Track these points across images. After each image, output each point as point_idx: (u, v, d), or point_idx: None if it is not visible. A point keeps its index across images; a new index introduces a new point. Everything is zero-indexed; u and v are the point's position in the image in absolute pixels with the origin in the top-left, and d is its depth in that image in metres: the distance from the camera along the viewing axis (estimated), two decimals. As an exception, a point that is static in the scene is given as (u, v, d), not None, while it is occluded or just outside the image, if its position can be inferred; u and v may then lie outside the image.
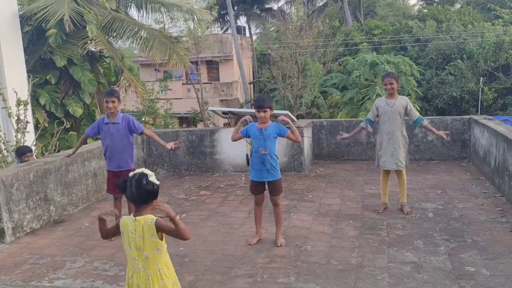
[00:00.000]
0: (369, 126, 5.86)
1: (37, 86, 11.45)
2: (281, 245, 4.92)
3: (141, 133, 5.46)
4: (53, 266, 4.69)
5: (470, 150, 8.48)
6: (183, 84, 30.64)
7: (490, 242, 4.82)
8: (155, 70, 28.73)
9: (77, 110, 11.96)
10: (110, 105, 5.14)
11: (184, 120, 27.71)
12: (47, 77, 11.73)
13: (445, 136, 5.75)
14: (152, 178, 2.91)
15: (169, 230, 2.81)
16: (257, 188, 5.00)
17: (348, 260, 4.51)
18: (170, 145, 5.46)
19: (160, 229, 2.80)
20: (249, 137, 5.01)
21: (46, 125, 11.32)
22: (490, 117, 8.49)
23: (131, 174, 2.97)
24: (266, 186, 4.99)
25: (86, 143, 6.54)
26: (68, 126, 11.28)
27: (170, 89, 24.56)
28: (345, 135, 6.01)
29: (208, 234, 5.43)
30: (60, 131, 8.76)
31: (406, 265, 4.35)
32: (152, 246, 2.80)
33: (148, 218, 2.80)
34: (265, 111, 4.79)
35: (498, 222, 5.40)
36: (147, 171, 2.96)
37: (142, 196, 2.85)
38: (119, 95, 5.28)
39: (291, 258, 4.62)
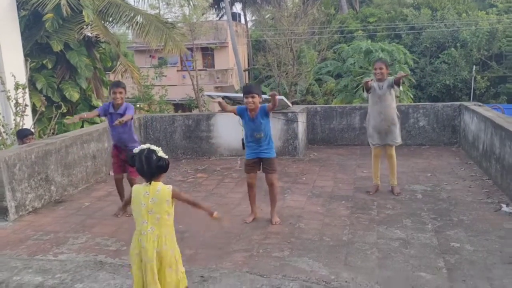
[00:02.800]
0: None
1: (34, 71, 11.51)
2: (275, 223, 5.13)
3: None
4: (57, 242, 4.87)
5: (460, 136, 8.72)
6: (178, 70, 30.64)
7: (475, 221, 5.06)
8: (150, 56, 28.69)
9: (74, 95, 12.06)
10: (118, 95, 5.36)
11: (179, 106, 27.79)
12: (44, 62, 11.79)
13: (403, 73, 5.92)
14: (161, 153, 3.10)
15: (187, 201, 3.20)
16: (251, 167, 5.18)
17: (340, 237, 4.73)
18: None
19: (177, 197, 3.08)
20: (240, 115, 5.14)
21: (43, 109, 11.44)
22: (480, 103, 8.71)
23: (136, 150, 3.15)
24: (261, 166, 5.18)
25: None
26: (65, 110, 11.35)
27: (165, 76, 24.63)
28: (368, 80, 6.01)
29: (205, 214, 5.61)
30: (58, 114, 8.88)
31: (394, 241, 4.58)
32: (165, 210, 3.03)
33: (165, 186, 3.07)
34: (253, 97, 4.93)
35: (484, 203, 5.64)
36: (153, 146, 3.14)
37: (153, 171, 3.06)
38: (125, 86, 5.47)
39: (285, 235, 4.83)
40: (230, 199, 6.20)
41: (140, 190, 3.10)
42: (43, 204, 6.09)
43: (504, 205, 5.45)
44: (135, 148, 3.18)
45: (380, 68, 5.87)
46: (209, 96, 9.18)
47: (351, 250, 4.39)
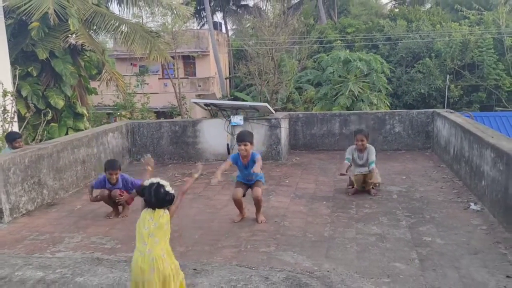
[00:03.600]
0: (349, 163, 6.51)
1: (19, 78, 11.59)
2: (261, 222, 5.46)
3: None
4: (53, 241, 5.10)
5: (433, 141, 9.22)
6: (159, 79, 30.79)
7: (446, 218, 5.49)
8: (131, 64, 28.78)
9: (59, 102, 12.18)
10: (114, 177, 5.73)
11: (161, 114, 27.90)
12: (29, 69, 11.91)
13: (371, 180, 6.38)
14: (168, 188, 3.43)
15: (179, 204, 3.59)
16: (240, 184, 5.56)
17: (321, 233, 5.09)
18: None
19: (173, 214, 3.46)
20: (235, 164, 5.53)
21: (27, 115, 11.55)
22: (451, 110, 9.25)
23: (147, 182, 3.46)
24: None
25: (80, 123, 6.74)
26: (50, 117, 11.49)
27: (147, 84, 24.77)
28: (343, 171, 6.43)
29: (195, 214, 5.93)
30: (46, 121, 9.06)
31: (371, 236, 4.96)
32: (164, 233, 3.37)
33: (166, 212, 3.44)
34: (245, 145, 5.35)
35: (454, 202, 6.09)
36: (163, 181, 3.46)
37: (161, 203, 3.40)
38: (121, 165, 5.92)
39: (271, 232, 5.17)
40: (217, 201, 6.50)
41: (147, 216, 3.41)
42: (35, 207, 6.28)
43: (472, 204, 5.91)
44: (146, 181, 3.49)
45: (362, 140, 6.41)
46: (196, 103, 9.49)
47: (332, 245, 4.75)
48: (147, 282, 3.28)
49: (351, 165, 6.50)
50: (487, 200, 5.66)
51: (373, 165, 6.32)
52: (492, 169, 5.45)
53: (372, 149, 6.45)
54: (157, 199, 3.38)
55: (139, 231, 3.39)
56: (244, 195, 5.52)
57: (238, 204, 5.54)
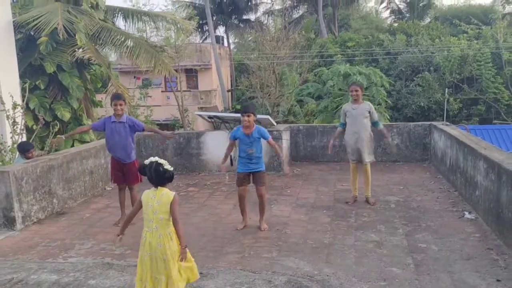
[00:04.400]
0: (342, 127, 6.75)
1: (27, 91, 11.93)
2: (264, 230, 5.69)
3: (143, 130, 6.13)
4: (64, 247, 5.33)
5: (431, 153, 9.46)
6: (162, 91, 31.18)
7: (441, 226, 5.71)
8: (134, 77, 29.20)
9: (65, 115, 12.45)
10: (118, 107, 5.87)
11: (164, 127, 28.22)
12: (37, 83, 12.19)
13: (394, 146, 6.72)
14: (167, 166, 3.68)
15: (173, 217, 3.69)
16: (242, 180, 5.76)
17: (322, 240, 5.32)
18: (166, 133, 6.53)
19: (172, 206, 3.61)
20: (236, 139, 5.76)
21: (35, 127, 11.81)
22: (447, 123, 9.51)
23: (147, 162, 3.72)
24: (251, 179, 5.76)
25: (85, 134, 7.06)
26: (57, 129, 11.77)
27: (150, 96, 25.13)
28: (332, 142, 6.89)
29: (199, 222, 6.16)
30: (54, 133, 9.33)
31: (369, 243, 5.19)
32: (167, 211, 3.58)
33: (170, 191, 3.64)
34: (249, 116, 5.60)
35: (450, 211, 6.31)
36: (161, 160, 3.71)
37: (160, 180, 3.64)
38: (126, 99, 6.01)
39: (273, 239, 5.40)
40: (221, 209, 6.73)
41: (149, 194, 3.68)
42: (46, 216, 6.52)
43: (466, 213, 6.14)
44: (146, 160, 3.75)
45: (356, 91, 6.59)
46: (200, 115, 9.77)
47: (332, 251, 4.98)
48: (153, 256, 3.53)
49: (345, 126, 6.70)
50: (480, 209, 5.89)
51: (381, 125, 6.68)
52: (485, 179, 5.69)
53: (371, 105, 6.70)
54: (157, 176, 3.62)
55: (144, 210, 3.65)
56: (248, 183, 5.80)
57: (242, 203, 5.79)
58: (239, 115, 5.91)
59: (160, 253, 3.56)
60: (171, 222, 3.67)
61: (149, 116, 22.75)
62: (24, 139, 9.63)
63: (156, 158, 3.75)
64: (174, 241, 3.66)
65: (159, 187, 3.67)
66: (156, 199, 3.61)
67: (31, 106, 12.00)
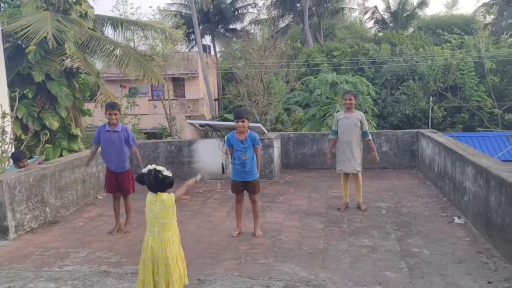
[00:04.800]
0: (335, 135, 6.86)
1: (14, 100, 11.84)
2: (259, 236, 5.75)
3: (131, 147, 6.11)
4: (59, 256, 5.31)
5: (418, 160, 9.65)
6: (149, 100, 31.11)
7: (432, 231, 5.84)
8: (121, 86, 29.09)
9: (54, 123, 12.39)
10: (113, 116, 5.89)
11: (151, 135, 28.13)
12: (25, 92, 12.13)
13: (377, 158, 6.87)
14: (166, 172, 3.74)
15: (185, 194, 3.89)
16: (237, 187, 5.83)
17: (316, 246, 5.40)
18: (140, 162, 5.98)
19: (178, 200, 3.73)
20: (231, 146, 5.82)
21: (23, 137, 11.73)
22: (434, 130, 9.72)
23: (145, 170, 3.77)
24: (245, 186, 5.82)
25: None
26: (45, 139, 11.70)
27: (138, 105, 25.06)
28: (329, 155, 6.97)
29: (194, 229, 6.19)
30: (44, 142, 9.28)
31: (363, 248, 5.28)
32: (169, 215, 3.65)
33: (169, 195, 3.72)
34: (243, 121, 5.67)
35: (439, 216, 6.45)
36: (159, 167, 3.77)
37: (160, 187, 3.69)
38: (120, 108, 6.02)
39: (268, 245, 5.45)
40: (215, 217, 6.77)
41: (151, 199, 3.74)
42: (39, 225, 6.48)
43: (456, 218, 6.28)
44: (144, 169, 3.80)
45: (350, 99, 6.72)
46: (191, 123, 9.82)
47: (327, 256, 5.06)
48: (155, 260, 3.59)
49: (337, 135, 6.80)
50: (469, 214, 6.04)
51: (369, 136, 6.78)
52: (473, 185, 5.85)
53: (363, 115, 6.82)
54: (157, 183, 3.69)
55: (147, 215, 3.72)
56: (244, 190, 5.84)
57: (239, 209, 5.87)
58: (230, 123, 5.98)
59: (161, 257, 3.62)
60: (174, 223, 3.75)
61: (136, 125, 22.67)
62: (12, 149, 9.56)
63: (154, 166, 3.81)
64: (175, 244, 3.73)
65: (159, 193, 3.72)
66: (157, 204, 3.66)
67: (19, 115, 11.92)
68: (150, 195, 3.74)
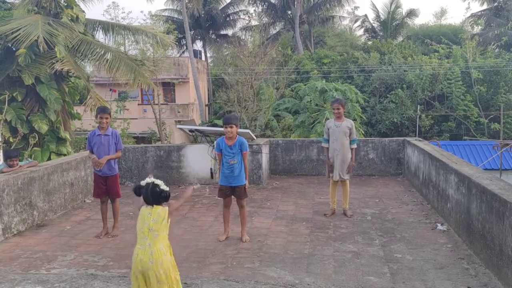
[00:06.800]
0: (327, 143, 6.97)
1: (3, 103, 11.81)
2: (246, 241, 5.82)
3: (115, 152, 6.15)
4: (47, 259, 5.33)
5: (404, 167, 9.81)
6: (138, 104, 31.06)
7: (415, 237, 5.97)
8: (110, 90, 29.03)
9: (42, 127, 12.34)
10: (104, 120, 5.94)
11: (140, 140, 28.07)
12: (14, 94, 12.11)
13: (350, 169, 6.95)
14: (163, 186, 3.80)
15: (180, 206, 3.95)
16: (225, 192, 5.91)
17: (302, 250, 5.49)
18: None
19: (172, 212, 3.77)
20: (220, 151, 5.90)
21: (11, 140, 11.70)
22: (420, 138, 9.90)
23: (143, 183, 3.82)
24: (233, 191, 5.90)
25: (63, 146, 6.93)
26: (34, 142, 11.69)
27: (127, 109, 25.03)
28: (329, 161, 6.97)
29: (182, 234, 6.24)
30: (33, 145, 9.28)
31: (348, 253, 5.39)
32: (163, 228, 3.71)
33: (163, 208, 3.76)
34: (231, 127, 5.76)
35: (423, 223, 6.59)
36: (157, 181, 3.82)
37: (157, 200, 3.75)
38: (110, 112, 6.08)
39: (254, 250, 5.53)
40: (202, 222, 6.84)
41: (145, 212, 3.76)
42: (26, 228, 6.49)
43: (439, 224, 6.43)
44: (142, 181, 3.85)
45: (338, 109, 6.86)
46: (181, 129, 9.88)
47: (312, 261, 5.15)
48: (146, 273, 3.61)
49: (328, 143, 6.90)
50: (452, 221, 6.19)
51: (355, 145, 6.89)
52: (456, 192, 5.99)
53: (353, 123, 6.94)
54: (154, 197, 3.73)
55: (139, 227, 3.73)
56: (231, 195, 5.90)
57: (226, 214, 5.94)
58: (219, 129, 6.06)
59: (152, 270, 3.62)
60: (166, 234, 3.77)
61: (126, 129, 22.65)
62: (1, 151, 9.55)
63: (152, 179, 3.83)
64: (168, 256, 3.74)
65: (154, 206, 3.77)
66: (152, 217, 3.70)
67: (8, 118, 11.88)
68: (145, 208, 3.77)
